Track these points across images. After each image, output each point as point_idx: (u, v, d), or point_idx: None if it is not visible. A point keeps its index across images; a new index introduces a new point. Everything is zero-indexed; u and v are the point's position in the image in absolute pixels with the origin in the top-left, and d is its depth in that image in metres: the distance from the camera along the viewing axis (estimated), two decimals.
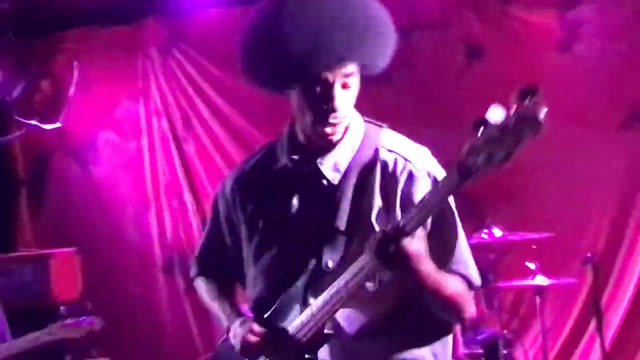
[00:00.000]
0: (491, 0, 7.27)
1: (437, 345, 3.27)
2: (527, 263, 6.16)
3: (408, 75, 7.45)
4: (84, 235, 8.12)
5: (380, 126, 3.48)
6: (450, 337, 3.31)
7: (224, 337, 3.55)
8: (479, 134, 2.76)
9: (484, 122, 2.74)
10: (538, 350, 6.73)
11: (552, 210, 6.92)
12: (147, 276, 8.35)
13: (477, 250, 6.60)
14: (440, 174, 3.27)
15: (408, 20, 7.38)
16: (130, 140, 8.43)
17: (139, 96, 8.35)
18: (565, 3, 7.10)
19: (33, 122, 8.27)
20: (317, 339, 3.17)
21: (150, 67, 8.30)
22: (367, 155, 3.31)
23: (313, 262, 3.21)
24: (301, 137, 3.31)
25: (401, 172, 3.26)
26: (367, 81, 7.80)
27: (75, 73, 8.23)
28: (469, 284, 3.17)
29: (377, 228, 3.12)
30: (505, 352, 6.37)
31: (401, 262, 2.91)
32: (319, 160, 3.27)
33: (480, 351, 6.41)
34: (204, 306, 8.20)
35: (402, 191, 3.21)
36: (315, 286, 3.19)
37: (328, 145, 3.27)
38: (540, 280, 6.12)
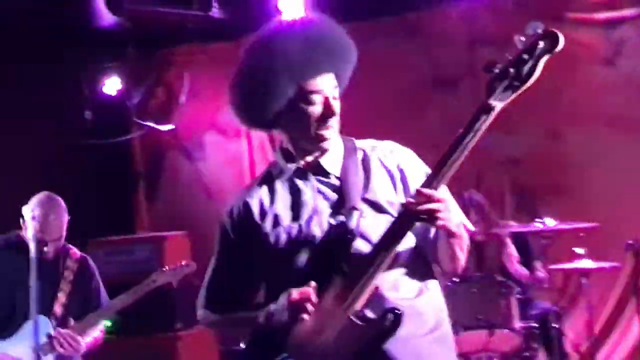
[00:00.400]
0: (546, 20, 7.28)
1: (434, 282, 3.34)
2: (575, 249, 6.15)
3: (471, 85, 7.46)
4: (192, 220, 8.20)
5: (350, 138, 3.50)
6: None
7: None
8: (495, 70, 2.97)
9: (494, 62, 2.97)
10: (584, 325, 6.66)
11: (596, 203, 6.92)
12: None
13: (532, 237, 6.73)
14: (405, 151, 3.46)
15: (470, 36, 7.52)
16: (231, 140, 8.56)
17: None
18: (611, 23, 7.08)
19: (150, 124, 8.56)
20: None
21: None
22: (354, 154, 3.41)
23: (339, 236, 3.22)
24: (295, 152, 3.35)
25: (388, 157, 3.38)
26: (435, 90, 7.96)
27: (185, 83, 8.48)
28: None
29: (383, 204, 3.25)
30: (555, 325, 6.39)
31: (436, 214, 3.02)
32: (320, 160, 3.33)
33: (534, 325, 6.45)
34: None
35: (398, 169, 3.34)
36: (345, 254, 3.19)
37: (322, 152, 3.33)
38: (587, 264, 6.12)
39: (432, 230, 3.26)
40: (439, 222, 3.05)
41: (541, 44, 2.96)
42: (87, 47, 8.18)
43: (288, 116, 3.27)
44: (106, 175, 8.48)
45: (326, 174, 3.34)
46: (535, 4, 7.32)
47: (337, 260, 3.21)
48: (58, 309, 5.19)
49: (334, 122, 3.29)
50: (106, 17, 7.28)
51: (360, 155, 3.41)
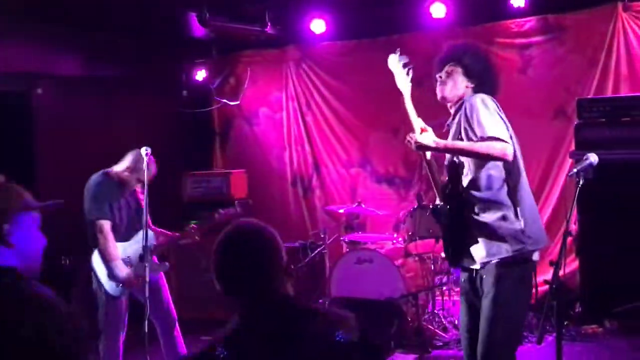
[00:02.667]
0: (482, 43, 7.14)
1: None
2: None
3: (429, 84, 7.52)
4: (249, 163, 8.25)
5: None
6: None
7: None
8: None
9: None
10: None
11: None
12: (282, 187, 8.46)
13: None
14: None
15: (432, 52, 7.45)
16: (276, 112, 8.50)
17: (282, 88, 8.41)
18: (524, 46, 7.09)
19: (224, 100, 8.62)
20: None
21: (289, 73, 8.33)
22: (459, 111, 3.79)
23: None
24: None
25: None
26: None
27: (248, 75, 8.53)
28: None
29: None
30: None
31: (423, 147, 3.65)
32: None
33: None
34: (309, 204, 8.21)
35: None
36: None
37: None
38: None
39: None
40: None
41: None
42: (185, 49, 8.25)
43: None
44: (195, 132, 8.53)
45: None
46: (476, 32, 7.32)
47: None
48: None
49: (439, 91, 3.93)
50: (198, 30, 7.31)
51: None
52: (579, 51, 6.86)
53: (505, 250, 3.46)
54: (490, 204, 3.51)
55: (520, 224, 3.47)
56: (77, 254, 6.27)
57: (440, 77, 3.93)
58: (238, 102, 8.54)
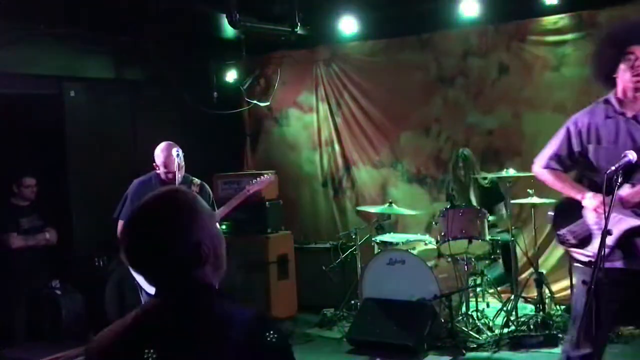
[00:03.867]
0: (514, 40, 7.19)
1: None
2: (528, 190, 6.12)
3: (464, 82, 7.48)
4: (279, 164, 8.24)
5: None
6: None
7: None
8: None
9: None
10: (531, 239, 6.61)
11: None
12: (313, 187, 8.44)
13: (500, 181, 6.66)
14: None
15: (463, 49, 7.45)
16: (307, 113, 8.47)
17: (312, 89, 8.38)
18: (557, 43, 6.96)
19: (254, 101, 8.62)
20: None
21: (319, 73, 8.29)
22: None
23: (626, 158, 3.28)
24: (624, 99, 3.50)
25: None
26: (439, 84, 7.79)
27: (278, 75, 8.52)
28: None
29: None
30: (512, 239, 6.27)
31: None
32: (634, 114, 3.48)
33: (497, 238, 6.44)
34: (340, 204, 8.15)
35: None
36: (629, 173, 3.36)
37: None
38: (534, 199, 6.08)
39: None
40: None
41: None
42: (216, 50, 8.27)
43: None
44: (226, 134, 8.52)
45: (637, 121, 3.48)
46: (507, 29, 7.25)
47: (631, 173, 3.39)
48: None
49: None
50: (228, 31, 7.32)
51: None
52: None
53: None
54: None
55: None
56: (109, 254, 6.35)
57: None
58: (268, 103, 8.54)
